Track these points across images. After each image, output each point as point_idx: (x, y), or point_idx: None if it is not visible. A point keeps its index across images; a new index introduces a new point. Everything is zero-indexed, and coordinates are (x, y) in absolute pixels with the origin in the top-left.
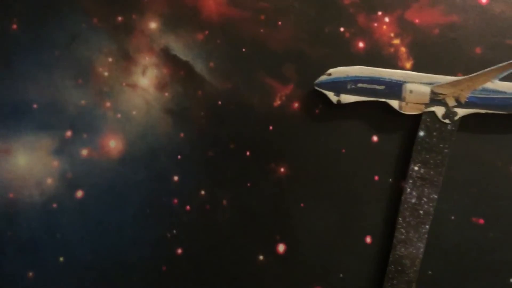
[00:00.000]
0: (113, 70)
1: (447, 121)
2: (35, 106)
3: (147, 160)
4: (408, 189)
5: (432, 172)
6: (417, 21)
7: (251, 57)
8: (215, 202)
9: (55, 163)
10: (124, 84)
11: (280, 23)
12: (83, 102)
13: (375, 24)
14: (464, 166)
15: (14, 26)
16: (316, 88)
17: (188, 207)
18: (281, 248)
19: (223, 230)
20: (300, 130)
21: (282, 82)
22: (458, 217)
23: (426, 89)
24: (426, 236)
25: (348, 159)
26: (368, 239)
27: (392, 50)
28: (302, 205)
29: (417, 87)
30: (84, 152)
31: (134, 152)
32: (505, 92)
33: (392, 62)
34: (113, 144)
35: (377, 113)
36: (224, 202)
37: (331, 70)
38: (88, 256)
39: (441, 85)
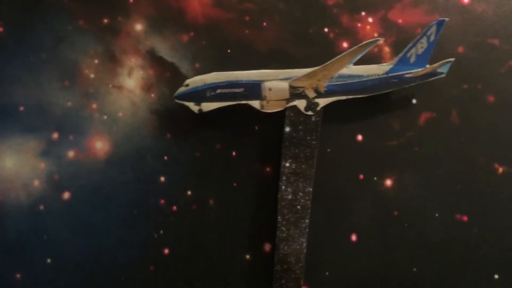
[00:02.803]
0: (99, 72)
1: (310, 113)
2: (21, 108)
3: (133, 161)
4: (283, 186)
5: (303, 166)
6: (400, 21)
7: (236, 58)
8: (202, 202)
9: (42, 165)
10: (110, 85)
11: (265, 24)
12: (69, 104)
13: (359, 24)
14: (448, 163)
15: (0, 29)
16: (176, 100)
17: (175, 208)
18: (267, 247)
19: (210, 230)
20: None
21: None
22: (442, 214)
23: (285, 85)
24: (307, 230)
25: (333, 158)
26: (354, 237)
27: (375, 49)
28: None
29: (275, 84)
30: (71, 153)
31: (121, 153)
32: (361, 76)
33: (376, 62)
34: (100, 146)
35: (364, 111)
36: (211, 202)
37: (188, 81)
38: (75, 257)
39: (299, 79)
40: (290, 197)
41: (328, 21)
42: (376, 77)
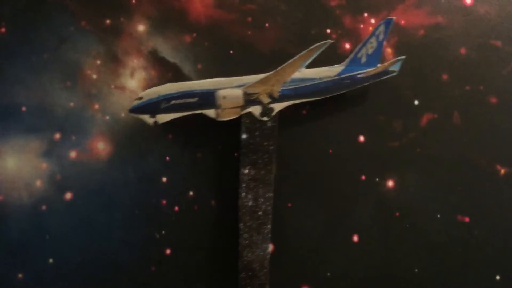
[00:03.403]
0: (102, 73)
1: (265, 118)
2: (23, 109)
3: (135, 161)
4: (243, 193)
5: (262, 172)
6: (402, 22)
7: (238, 59)
8: (204, 202)
9: (44, 165)
10: (112, 86)
11: (267, 25)
12: (71, 104)
13: (361, 26)
14: (449, 164)
15: (3, 30)
16: (131, 114)
17: (176, 208)
18: (269, 247)
19: (212, 230)
20: (288, 130)
21: None
22: (444, 215)
23: (239, 92)
24: (270, 235)
25: (335, 159)
26: (355, 238)
27: None
28: (289, 204)
29: (229, 92)
30: (73, 154)
31: (123, 154)
32: (314, 79)
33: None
34: (102, 146)
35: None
36: (213, 202)
37: (141, 94)
38: (77, 257)
39: (252, 85)
40: (250, 203)
41: (330, 22)
42: (329, 79)
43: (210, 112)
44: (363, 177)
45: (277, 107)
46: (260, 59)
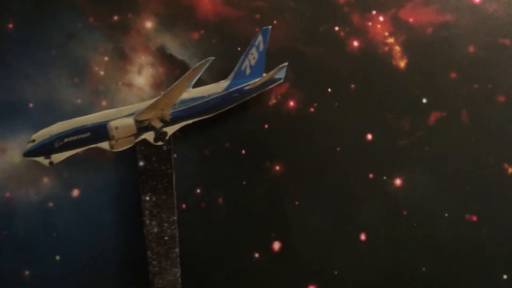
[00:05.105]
0: (109, 69)
1: (160, 143)
2: (31, 105)
3: None
4: (147, 221)
5: (163, 197)
6: (411, 20)
7: None
8: (211, 200)
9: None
10: (120, 83)
11: (275, 22)
12: (79, 101)
13: (370, 23)
14: (457, 163)
15: (10, 26)
16: (26, 157)
17: (184, 205)
18: (276, 245)
19: (219, 228)
20: (295, 128)
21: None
22: (451, 214)
23: (130, 121)
24: (178, 259)
25: (343, 157)
26: (363, 236)
27: (386, 49)
28: (297, 203)
29: (120, 122)
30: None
31: (130, 150)
32: (203, 97)
33: (386, 61)
34: None
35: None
36: (220, 200)
37: (33, 136)
38: (84, 255)
39: (143, 112)
40: (156, 230)
41: (338, 19)
42: (217, 95)
43: (104, 145)
44: (371, 176)
45: (170, 130)
46: (268, 56)
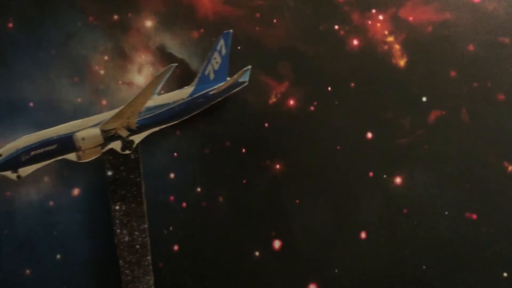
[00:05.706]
0: (109, 68)
1: (127, 152)
2: (31, 104)
3: (143, 157)
4: (118, 230)
5: (133, 205)
6: (410, 18)
7: (246, 55)
8: (212, 199)
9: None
10: (120, 82)
11: (275, 21)
12: (79, 100)
13: (369, 22)
14: (457, 161)
15: (10, 25)
16: None
17: (184, 204)
18: (277, 244)
19: (219, 226)
20: (296, 127)
21: (277, 79)
22: (452, 213)
23: (96, 131)
24: (151, 267)
25: (343, 156)
26: (363, 235)
27: (386, 47)
28: (297, 201)
29: (87, 132)
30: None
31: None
32: (168, 104)
33: (386, 60)
34: None
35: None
36: (220, 199)
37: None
38: (84, 253)
39: (108, 121)
40: (127, 239)
41: (338, 18)
42: (182, 101)
43: (71, 156)
44: (371, 174)
45: (137, 138)
46: (268, 55)
